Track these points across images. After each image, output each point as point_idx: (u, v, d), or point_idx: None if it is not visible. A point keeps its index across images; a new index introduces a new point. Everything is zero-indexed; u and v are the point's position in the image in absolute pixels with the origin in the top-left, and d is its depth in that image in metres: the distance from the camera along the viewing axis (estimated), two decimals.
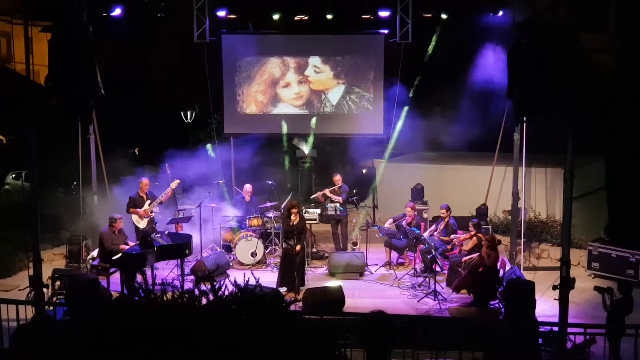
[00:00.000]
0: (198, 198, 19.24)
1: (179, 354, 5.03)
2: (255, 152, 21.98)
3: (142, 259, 15.76)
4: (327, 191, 19.67)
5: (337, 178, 19.87)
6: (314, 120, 22.12)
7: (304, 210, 18.34)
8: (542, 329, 13.12)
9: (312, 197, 20.52)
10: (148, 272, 16.19)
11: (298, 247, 16.57)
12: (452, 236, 17.79)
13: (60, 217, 19.70)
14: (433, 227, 18.61)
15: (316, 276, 17.51)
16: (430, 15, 20.72)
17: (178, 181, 18.44)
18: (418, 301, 16.14)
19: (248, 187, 19.97)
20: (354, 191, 21.09)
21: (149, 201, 17.97)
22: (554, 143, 17.00)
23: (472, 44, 24.49)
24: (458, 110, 23.01)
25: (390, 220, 18.91)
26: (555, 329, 12.73)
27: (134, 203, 17.94)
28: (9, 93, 24.09)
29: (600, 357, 12.35)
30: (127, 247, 16.38)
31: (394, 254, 18.81)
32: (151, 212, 17.96)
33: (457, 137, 25.93)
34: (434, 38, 21.74)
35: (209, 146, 22.00)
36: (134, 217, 17.87)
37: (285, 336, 5.38)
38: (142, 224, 17.81)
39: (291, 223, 16.57)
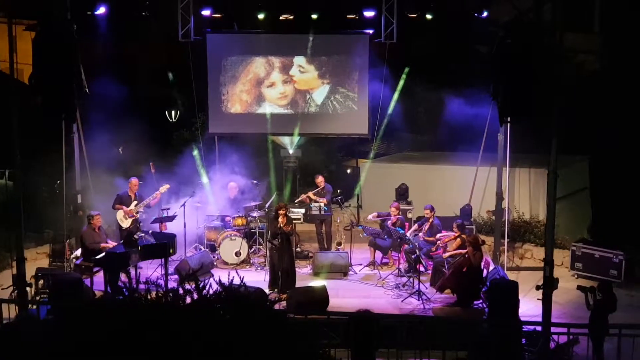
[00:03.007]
0: (182, 197, 19.18)
1: (163, 352, 5.03)
2: (239, 152, 21.91)
3: (126, 258, 15.72)
4: (311, 194, 19.63)
5: (320, 179, 19.86)
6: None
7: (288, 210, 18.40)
8: (525, 328, 13.18)
9: (296, 200, 20.51)
10: (132, 271, 16.15)
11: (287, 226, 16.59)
12: (438, 235, 17.82)
13: (43, 216, 19.63)
14: (415, 226, 18.64)
15: (300, 276, 17.47)
16: (415, 15, 20.75)
17: (167, 186, 18.44)
18: (402, 301, 16.16)
19: (232, 185, 19.96)
20: (338, 191, 21.11)
21: (135, 202, 17.95)
22: (537, 143, 17.06)
23: (456, 44, 24.59)
24: (442, 109, 23.05)
25: (375, 213, 18.97)
26: (539, 328, 12.79)
27: (121, 200, 17.94)
28: None
29: (584, 357, 12.41)
30: (109, 245, 16.37)
31: (378, 254, 18.82)
32: (136, 212, 17.93)
33: (441, 136, 26.01)
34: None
35: (195, 153, 22.05)
36: (119, 215, 17.85)
37: (269, 335, 5.38)
38: (126, 223, 17.78)
39: (278, 225, 16.53)
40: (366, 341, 6.45)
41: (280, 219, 16.49)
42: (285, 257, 16.54)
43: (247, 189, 20.34)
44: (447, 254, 16.84)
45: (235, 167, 20.57)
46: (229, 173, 20.55)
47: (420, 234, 18.10)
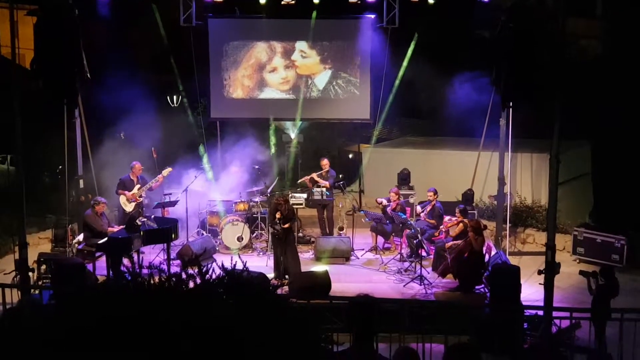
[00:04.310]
0: (184, 182, 19.18)
1: (166, 336, 5.03)
2: (241, 137, 21.90)
3: (129, 243, 15.71)
4: (314, 175, 19.62)
5: (325, 162, 19.82)
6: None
7: (290, 195, 18.40)
8: (527, 313, 13.20)
9: (299, 181, 20.50)
10: (134, 256, 16.15)
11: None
12: (445, 219, 17.81)
13: (46, 201, 19.63)
14: (418, 208, 18.64)
15: (302, 261, 17.45)
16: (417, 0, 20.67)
17: (170, 169, 18.40)
18: (404, 286, 16.16)
19: (234, 169, 19.96)
20: (341, 176, 21.10)
21: (138, 185, 17.95)
22: (540, 128, 17.03)
23: (459, 29, 24.50)
24: (444, 94, 23.00)
25: (381, 200, 18.95)
26: (541, 313, 12.80)
27: (124, 185, 17.94)
28: None
29: (586, 341, 12.41)
30: (114, 229, 16.39)
31: (380, 239, 18.82)
32: (140, 196, 17.93)
33: (443, 121, 25.97)
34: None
35: (197, 138, 22.11)
36: (122, 200, 17.86)
37: (273, 320, 5.38)
38: (129, 207, 17.79)
39: (275, 220, 16.42)
40: (366, 325, 6.43)
41: (277, 215, 16.41)
42: (288, 246, 16.48)
43: (249, 173, 20.33)
44: (449, 244, 16.81)
45: (237, 152, 20.55)
46: (230, 158, 20.54)
47: (423, 215, 18.11)
